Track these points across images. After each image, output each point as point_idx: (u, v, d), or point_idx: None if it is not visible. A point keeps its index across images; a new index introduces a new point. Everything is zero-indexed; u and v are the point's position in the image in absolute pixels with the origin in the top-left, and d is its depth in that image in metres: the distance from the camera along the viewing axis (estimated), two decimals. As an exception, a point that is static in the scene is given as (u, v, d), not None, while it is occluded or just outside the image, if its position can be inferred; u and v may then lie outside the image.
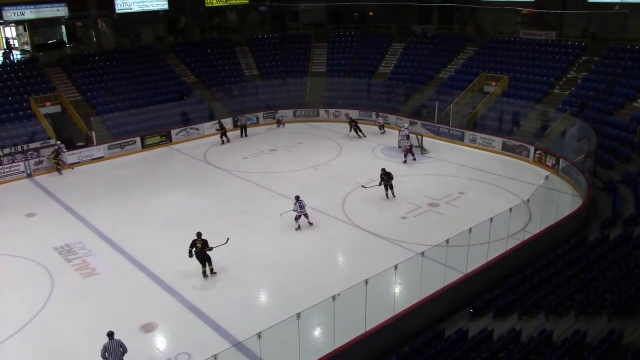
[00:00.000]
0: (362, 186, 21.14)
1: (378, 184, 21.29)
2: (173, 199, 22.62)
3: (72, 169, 26.31)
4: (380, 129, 31.24)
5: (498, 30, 35.09)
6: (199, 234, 16.07)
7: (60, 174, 25.69)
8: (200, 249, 15.91)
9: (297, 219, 19.13)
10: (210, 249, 16.04)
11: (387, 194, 21.41)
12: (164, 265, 16.68)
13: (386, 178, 21.27)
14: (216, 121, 30.98)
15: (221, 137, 30.14)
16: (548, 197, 20.89)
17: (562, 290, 13.20)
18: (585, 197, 19.73)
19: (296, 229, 19.09)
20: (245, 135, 31.31)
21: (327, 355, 11.52)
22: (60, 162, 25.89)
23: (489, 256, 15.37)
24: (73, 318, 13.75)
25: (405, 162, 25.19)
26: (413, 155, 26.14)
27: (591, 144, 22.09)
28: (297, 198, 19.09)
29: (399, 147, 27.64)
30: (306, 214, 19.12)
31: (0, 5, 29.34)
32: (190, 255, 15.98)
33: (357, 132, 30.20)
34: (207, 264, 16.16)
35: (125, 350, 11.93)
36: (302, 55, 38.56)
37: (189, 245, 15.96)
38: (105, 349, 11.73)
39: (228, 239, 16.48)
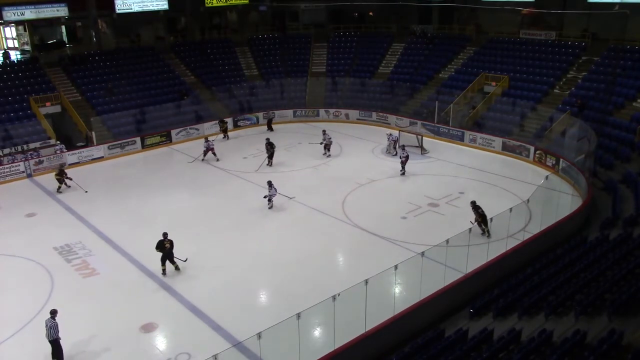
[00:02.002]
0: (470, 222, 17.93)
1: (477, 223, 17.97)
2: (173, 199, 22.62)
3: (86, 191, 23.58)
4: (324, 151, 27.33)
5: (498, 31, 35.08)
6: (165, 234, 16.28)
7: (69, 186, 23.67)
8: (169, 250, 16.18)
9: (270, 199, 20.92)
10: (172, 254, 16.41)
11: (483, 230, 17.94)
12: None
13: (476, 213, 18.06)
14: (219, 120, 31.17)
15: (223, 132, 30.92)
16: (548, 197, 20.90)
17: (562, 290, 13.20)
18: (585, 197, 19.74)
19: (269, 207, 20.92)
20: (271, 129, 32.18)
21: (327, 355, 11.53)
22: (65, 178, 23.54)
23: (489, 256, 15.39)
24: (73, 318, 13.74)
25: (403, 174, 24.57)
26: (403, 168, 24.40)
27: (591, 144, 22.13)
28: (270, 184, 20.95)
29: (387, 152, 27.55)
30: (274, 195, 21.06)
31: (0, 5, 29.36)
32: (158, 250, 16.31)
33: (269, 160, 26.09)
34: (172, 263, 16.45)
35: (56, 333, 12.55)
36: (302, 55, 38.56)
37: (155, 246, 16.17)
38: (45, 324, 12.65)
39: (187, 258, 16.79)
